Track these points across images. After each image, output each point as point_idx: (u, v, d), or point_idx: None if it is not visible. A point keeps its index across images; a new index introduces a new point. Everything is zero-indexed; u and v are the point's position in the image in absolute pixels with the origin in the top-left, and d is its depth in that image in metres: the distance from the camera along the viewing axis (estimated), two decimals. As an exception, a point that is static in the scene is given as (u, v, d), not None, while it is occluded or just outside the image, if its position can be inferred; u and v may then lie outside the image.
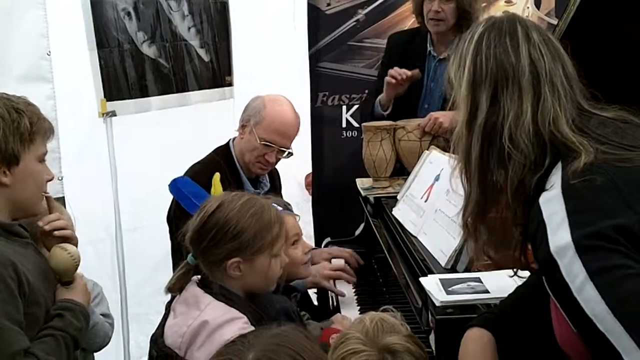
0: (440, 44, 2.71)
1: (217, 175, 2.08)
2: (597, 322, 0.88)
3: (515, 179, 1.05)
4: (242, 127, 2.28)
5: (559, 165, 1.03)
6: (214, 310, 1.43)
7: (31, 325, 1.35)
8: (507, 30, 1.10)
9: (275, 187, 2.49)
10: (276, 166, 2.48)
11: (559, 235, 0.94)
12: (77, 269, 1.48)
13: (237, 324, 1.39)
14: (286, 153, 2.27)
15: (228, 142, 2.34)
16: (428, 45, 2.74)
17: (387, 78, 2.59)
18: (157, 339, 1.51)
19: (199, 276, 1.54)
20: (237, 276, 1.47)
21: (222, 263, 1.45)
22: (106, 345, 1.90)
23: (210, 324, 1.39)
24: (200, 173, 2.21)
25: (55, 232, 1.54)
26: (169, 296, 1.62)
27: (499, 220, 1.11)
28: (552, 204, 0.98)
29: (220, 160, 2.22)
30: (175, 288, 1.52)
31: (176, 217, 2.17)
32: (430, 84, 2.74)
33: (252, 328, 1.37)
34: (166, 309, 1.59)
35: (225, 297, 1.45)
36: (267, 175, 2.38)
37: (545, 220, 0.97)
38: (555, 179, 1.01)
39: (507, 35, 1.10)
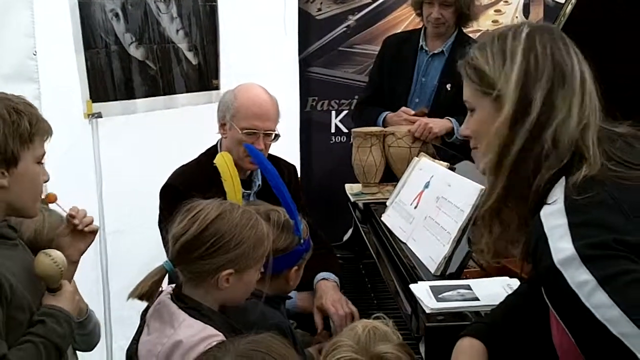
0: (435, 39, 2.75)
1: (220, 156, 2.00)
2: (611, 327, 0.88)
3: (546, 177, 1.05)
4: (222, 126, 2.21)
5: (562, 180, 1.04)
6: (188, 328, 1.37)
7: (13, 330, 1.32)
8: (560, 35, 1.13)
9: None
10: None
11: (562, 246, 0.95)
12: (62, 275, 1.43)
13: (212, 342, 1.32)
14: (273, 136, 2.17)
15: (217, 144, 2.28)
16: (421, 40, 2.77)
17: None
18: (132, 356, 1.47)
19: (172, 286, 1.48)
20: (224, 288, 1.42)
21: (215, 274, 1.40)
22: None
23: (185, 343, 1.34)
24: (188, 175, 2.16)
25: (86, 228, 1.55)
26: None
27: (513, 218, 1.11)
28: (554, 218, 0.99)
29: (208, 161, 2.12)
30: (147, 295, 1.43)
31: (160, 222, 2.14)
32: (421, 78, 2.77)
33: None
34: (141, 318, 1.53)
35: (200, 313, 1.40)
36: (259, 173, 2.23)
37: (547, 233, 0.98)
38: (558, 194, 1.02)
39: (560, 39, 1.12)
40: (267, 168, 1.80)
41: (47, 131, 1.44)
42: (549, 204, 1.02)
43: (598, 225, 0.94)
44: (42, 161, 1.45)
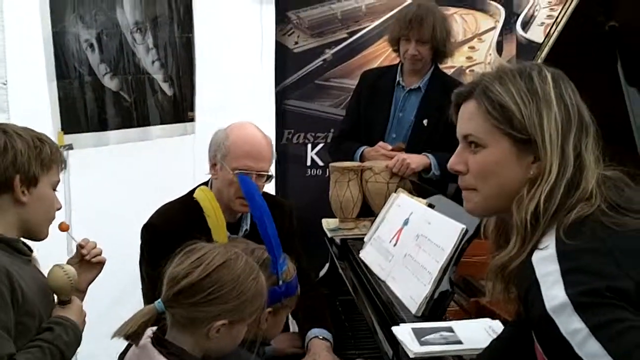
0: (412, 75, 2.78)
1: (200, 191, 1.90)
2: None
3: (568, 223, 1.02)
4: (213, 166, 2.07)
5: (554, 227, 1.02)
6: None
7: (22, 336, 1.37)
8: (571, 82, 1.10)
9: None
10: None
11: (554, 293, 0.93)
12: (72, 288, 1.50)
13: None
14: (265, 178, 2.05)
15: (207, 182, 2.14)
16: (397, 76, 2.80)
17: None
18: None
19: (154, 329, 1.42)
20: (214, 338, 1.36)
21: (208, 323, 1.34)
22: None
23: None
24: (171, 214, 2.07)
25: (93, 259, 1.65)
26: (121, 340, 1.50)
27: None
28: (546, 264, 0.97)
29: (192, 200, 1.94)
30: (134, 335, 1.37)
31: (140, 261, 2.07)
32: (398, 113, 2.79)
33: None
34: None
35: (181, 359, 1.34)
36: (248, 218, 2.12)
37: (539, 279, 0.97)
38: (550, 240, 1.01)
39: (573, 86, 1.09)
40: (255, 199, 1.71)
41: (63, 161, 1.57)
42: (541, 249, 1.01)
43: (590, 272, 0.93)
44: (56, 189, 1.56)
